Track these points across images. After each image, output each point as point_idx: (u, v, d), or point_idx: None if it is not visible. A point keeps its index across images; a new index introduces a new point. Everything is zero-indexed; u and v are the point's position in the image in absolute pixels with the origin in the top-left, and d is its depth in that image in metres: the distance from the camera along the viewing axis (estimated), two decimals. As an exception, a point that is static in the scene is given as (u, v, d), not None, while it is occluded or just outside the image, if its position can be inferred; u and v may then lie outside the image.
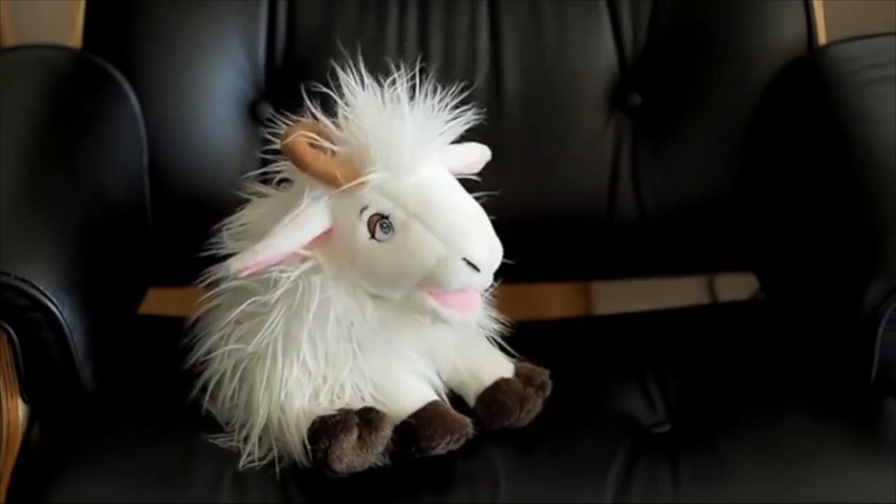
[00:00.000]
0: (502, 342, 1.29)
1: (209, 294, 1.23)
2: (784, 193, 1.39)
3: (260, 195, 1.24)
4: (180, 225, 1.43)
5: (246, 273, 1.15)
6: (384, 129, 1.15)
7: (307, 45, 1.46)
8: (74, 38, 1.47)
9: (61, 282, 1.21)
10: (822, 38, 1.46)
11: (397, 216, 1.15)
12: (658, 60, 1.47)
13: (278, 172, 1.25)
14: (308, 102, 1.20)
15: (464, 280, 1.14)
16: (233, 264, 1.15)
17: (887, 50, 1.42)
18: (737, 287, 1.63)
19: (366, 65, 1.20)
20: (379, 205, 1.15)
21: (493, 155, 1.25)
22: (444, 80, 1.20)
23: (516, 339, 1.29)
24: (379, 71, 1.21)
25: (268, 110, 1.45)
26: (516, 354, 1.29)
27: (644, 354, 1.38)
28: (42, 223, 1.25)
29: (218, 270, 1.22)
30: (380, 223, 1.15)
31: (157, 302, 1.46)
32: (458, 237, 1.14)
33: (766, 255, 1.43)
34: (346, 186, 1.15)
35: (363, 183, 1.15)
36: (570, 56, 1.46)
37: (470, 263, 1.14)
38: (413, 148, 1.15)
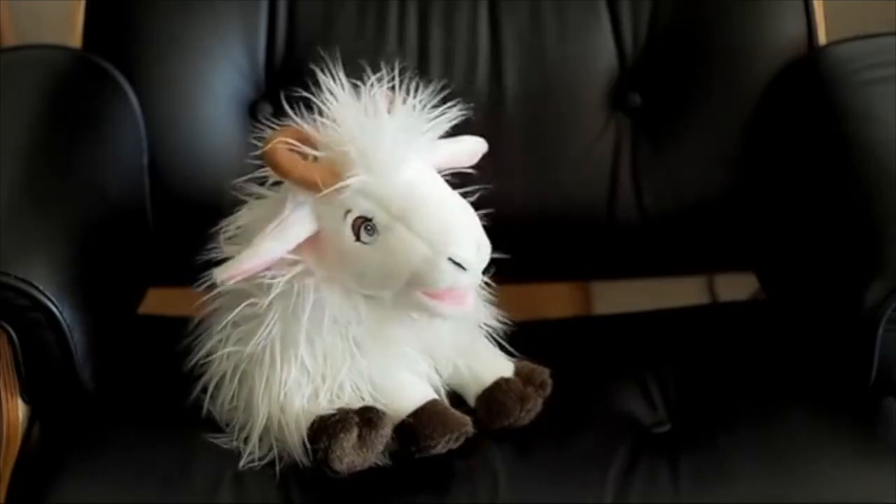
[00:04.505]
0: (502, 342, 1.29)
1: (208, 296, 1.23)
2: (784, 193, 1.39)
3: (258, 196, 1.24)
4: (180, 225, 1.43)
5: (233, 281, 1.15)
6: (362, 132, 1.15)
7: (307, 46, 1.46)
8: (74, 38, 1.47)
9: (61, 282, 1.21)
10: (822, 38, 1.46)
11: (380, 218, 1.14)
12: (658, 60, 1.47)
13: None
14: (288, 109, 1.19)
15: (451, 280, 1.14)
16: (219, 274, 1.15)
17: (887, 50, 1.42)
18: (737, 287, 1.63)
19: (366, 65, 1.20)
20: (362, 207, 1.15)
21: (493, 155, 1.25)
22: (445, 79, 1.21)
23: (516, 339, 1.29)
24: (375, 71, 1.21)
25: (268, 110, 1.45)
26: (516, 354, 1.29)
27: (644, 354, 1.38)
28: (42, 223, 1.25)
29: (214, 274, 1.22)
30: (364, 226, 1.15)
31: (157, 302, 1.46)
32: (443, 238, 1.13)
33: (766, 255, 1.43)
34: (326, 192, 1.14)
35: (344, 187, 1.14)
36: (570, 56, 1.46)
37: (456, 263, 1.13)
38: (393, 149, 1.15)
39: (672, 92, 1.47)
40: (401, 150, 1.15)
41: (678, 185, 1.46)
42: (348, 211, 1.15)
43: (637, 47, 1.47)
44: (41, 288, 1.19)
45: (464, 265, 1.13)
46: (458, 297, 1.16)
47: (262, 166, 1.22)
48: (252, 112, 1.47)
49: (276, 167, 1.16)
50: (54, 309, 1.20)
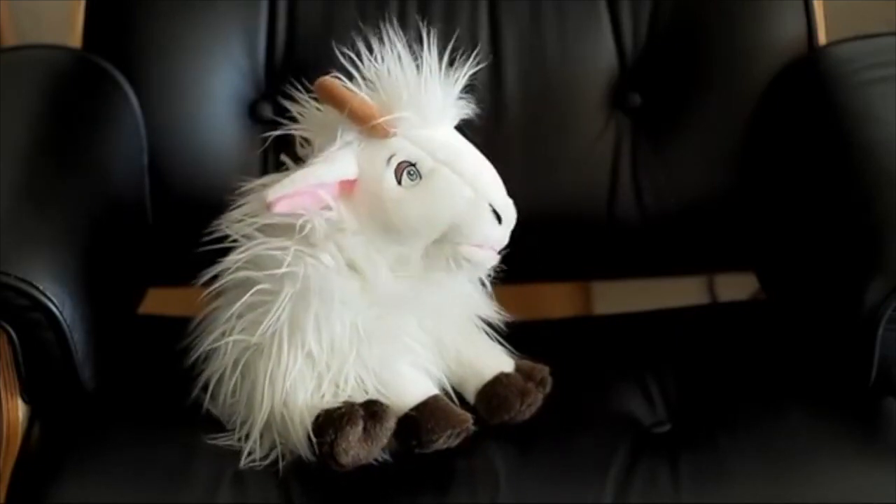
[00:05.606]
0: (502, 341, 1.29)
1: (212, 289, 1.23)
2: (784, 193, 1.39)
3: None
4: (180, 225, 1.43)
5: (280, 207, 1.16)
6: (417, 81, 1.19)
7: (307, 45, 1.46)
8: (74, 38, 1.47)
9: (61, 282, 1.21)
10: (822, 38, 1.46)
11: (425, 163, 1.18)
12: (658, 60, 1.47)
13: (278, 169, 1.25)
14: (340, 57, 1.22)
15: (487, 230, 1.18)
16: (269, 193, 1.16)
17: (887, 50, 1.42)
18: (737, 287, 1.63)
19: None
20: (407, 152, 1.18)
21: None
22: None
23: (516, 338, 1.29)
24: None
25: (268, 110, 1.45)
26: (517, 354, 1.29)
27: (644, 354, 1.38)
28: (42, 223, 1.25)
29: (219, 267, 1.22)
30: (407, 170, 1.18)
31: (157, 302, 1.46)
32: (485, 182, 1.18)
33: (766, 255, 1.43)
34: (381, 120, 1.17)
35: (395, 122, 1.17)
36: (570, 56, 1.46)
37: (494, 212, 1.17)
38: (444, 101, 1.19)
39: (672, 92, 1.47)
40: (450, 104, 1.20)
41: (678, 184, 1.46)
42: (392, 156, 1.18)
43: (637, 47, 1.47)
44: (41, 288, 1.19)
45: (500, 213, 1.17)
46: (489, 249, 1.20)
47: (267, 163, 1.23)
48: (252, 112, 1.47)
49: (332, 97, 1.19)
50: (54, 309, 1.20)
